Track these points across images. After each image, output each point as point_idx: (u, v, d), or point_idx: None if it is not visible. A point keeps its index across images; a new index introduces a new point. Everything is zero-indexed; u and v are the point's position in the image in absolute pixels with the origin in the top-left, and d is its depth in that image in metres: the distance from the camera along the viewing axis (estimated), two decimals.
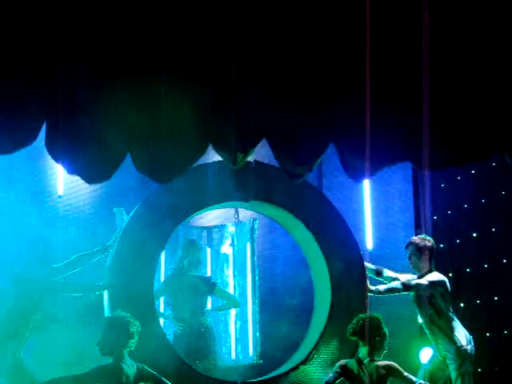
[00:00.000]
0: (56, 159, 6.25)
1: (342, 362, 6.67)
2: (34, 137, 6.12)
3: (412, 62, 6.38)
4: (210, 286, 7.92)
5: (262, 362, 8.29)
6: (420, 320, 7.51)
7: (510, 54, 6.49)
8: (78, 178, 7.65)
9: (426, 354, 7.86)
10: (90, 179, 6.44)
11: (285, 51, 6.37)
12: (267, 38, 6.36)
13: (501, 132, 6.65)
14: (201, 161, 6.80)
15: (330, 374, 6.62)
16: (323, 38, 6.39)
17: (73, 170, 6.34)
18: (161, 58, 6.23)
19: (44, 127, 6.10)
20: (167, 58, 6.24)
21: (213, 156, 6.97)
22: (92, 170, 6.32)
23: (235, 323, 8.54)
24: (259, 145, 6.48)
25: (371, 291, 7.45)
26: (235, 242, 8.64)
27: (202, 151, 6.45)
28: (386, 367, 6.59)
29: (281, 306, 8.76)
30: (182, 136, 6.31)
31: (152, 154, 6.33)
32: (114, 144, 6.26)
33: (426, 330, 7.47)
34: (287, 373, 7.32)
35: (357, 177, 6.81)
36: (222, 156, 6.52)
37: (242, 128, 6.35)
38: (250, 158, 7.33)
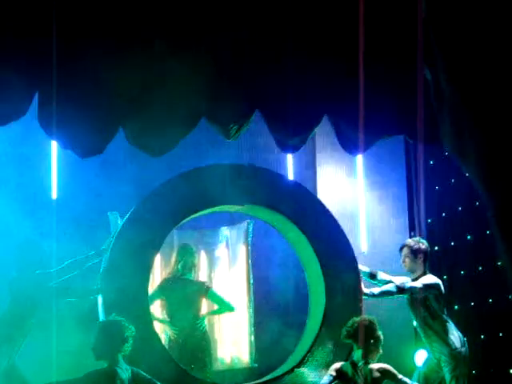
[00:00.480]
0: (49, 134, 6.25)
1: (337, 364, 6.68)
2: (25, 110, 6.11)
3: (406, 34, 6.33)
4: (204, 290, 7.92)
5: (256, 365, 8.29)
6: (414, 323, 7.52)
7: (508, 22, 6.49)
8: (73, 181, 7.69)
9: (420, 357, 7.86)
10: (83, 153, 6.45)
11: (277, 22, 6.35)
12: (260, 10, 6.35)
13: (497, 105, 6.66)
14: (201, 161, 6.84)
15: (325, 377, 6.62)
16: (316, 9, 6.39)
17: (66, 144, 6.36)
18: (153, 30, 6.22)
19: (36, 101, 6.09)
20: (159, 30, 6.23)
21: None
22: (85, 144, 6.34)
23: (230, 327, 8.54)
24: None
25: (365, 294, 7.47)
26: (230, 246, 8.65)
27: (195, 124, 6.46)
28: (380, 370, 6.59)
29: (276, 310, 8.76)
30: (174, 109, 6.32)
31: (144, 127, 6.35)
32: (107, 117, 6.28)
33: (420, 333, 7.48)
34: (282, 376, 7.33)
35: (352, 149, 6.82)
36: (215, 128, 6.52)
37: (234, 100, 6.35)
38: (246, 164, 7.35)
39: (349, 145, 6.79)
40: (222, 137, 6.53)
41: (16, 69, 6.03)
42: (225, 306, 8.07)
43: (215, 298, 8.03)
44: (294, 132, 6.61)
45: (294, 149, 6.91)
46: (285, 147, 6.81)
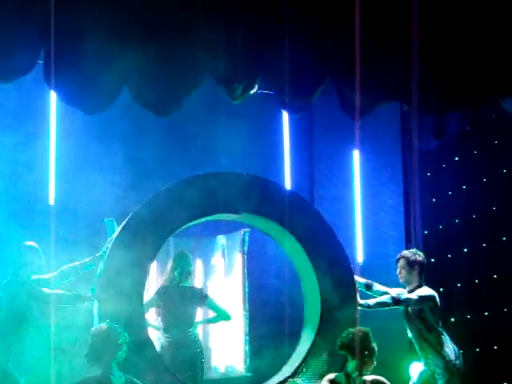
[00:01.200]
0: (56, 90, 6.31)
1: (331, 375, 6.66)
2: (31, 65, 6.19)
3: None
4: (201, 298, 7.91)
5: (251, 374, 8.28)
6: (409, 334, 7.51)
7: None
8: (69, 186, 7.72)
9: (415, 369, 7.85)
10: (87, 110, 6.53)
11: None
12: None
13: (494, 76, 6.72)
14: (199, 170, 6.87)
15: None
16: None
17: (71, 100, 6.43)
18: None
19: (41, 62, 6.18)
20: None
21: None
22: (90, 100, 6.42)
23: (224, 335, 8.53)
24: None
25: (361, 305, 7.45)
26: (226, 254, 8.65)
27: (199, 82, 6.51)
28: (374, 381, 6.58)
29: (271, 319, 8.76)
30: (178, 66, 6.38)
31: (148, 85, 6.40)
32: (112, 75, 6.34)
33: (415, 345, 7.46)
34: None
35: (353, 112, 6.89)
36: (221, 88, 6.58)
37: (237, 60, 6.41)
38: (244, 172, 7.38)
39: (350, 107, 6.85)
40: (228, 97, 6.58)
41: (21, 27, 6.12)
42: (222, 315, 8.05)
43: (213, 306, 8.01)
44: (297, 92, 6.68)
45: (298, 110, 6.95)
46: (290, 110, 6.86)
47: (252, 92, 6.80)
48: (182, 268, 7.87)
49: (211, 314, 8.11)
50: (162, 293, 7.84)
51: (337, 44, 6.72)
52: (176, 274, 7.85)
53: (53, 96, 8.19)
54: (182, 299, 7.77)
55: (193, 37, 6.35)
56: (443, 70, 6.88)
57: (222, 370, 8.53)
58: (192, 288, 7.92)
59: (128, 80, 6.37)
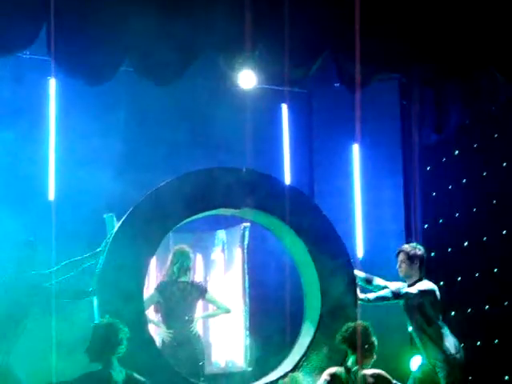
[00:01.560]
0: (58, 63, 6.38)
1: (331, 369, 6.67)
2: (33, 39, 6.26)
3: None
4: (201, 292, 7.91)
5: (251, 369, 8.29)
6: (410, 328, 7.51)
7: None
8: (69, 182, 7.72)
9: (415, 362, 7.86)
10: (91, 82, 6.62)
11: None
12: None
13: (490, 47, 6.77)
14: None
15: (319, 382, 6.62)
16: None
17: (74, 72, 6.52)
18: None
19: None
20: None
21: None
22: (93, 72, 6.51)
23: (225, 330, 8.53)
24: None
25: (361, 299, 7.46)
26: (226, 249, 8.64)
27: (199, 52, 6.57)
28: (374, 375, 6.58)
29: (271, 313, 8.76)
30: (178, 37, 6.44)
31: (149, 55, 6.50)
32: (114, 46, 6.43)
33: (415, 339, 7.47)
34: (276, 380, 7.31)
35: (351, 85, 6.91)
36: (220, 59, 6.65)
37: (237, 32, 6.46)
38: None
39: (348, 79, 6.89)
40: (226, 68, 6.65)
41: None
42: (222, 308, 8.07)
43: (212, 300, 8.03)
44: (296, 63, 6.73)
45: (298, 82, 6.99)
46: (290, 81, 6.92)
47: (251, 63, 6.88)
48: (181, 263, 7.87)
49: (211, 308, 8.12)
50: (161, 289, 7.84)
51: (336, 16, 6.78)
52: (175, 269, 7.86)
53: (52, 88, 8.21)
54: (181, 294, 7.78)
55: (194, 7, 6.45)
56: (442, 41, 6.94)
57: (222, 364, 8.54)
58: (191, 283, 7.92)
59: (129, 49, 6.49)
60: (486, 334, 9.08)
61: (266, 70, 7.26)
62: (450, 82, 7.41)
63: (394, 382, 6.65)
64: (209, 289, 8.13)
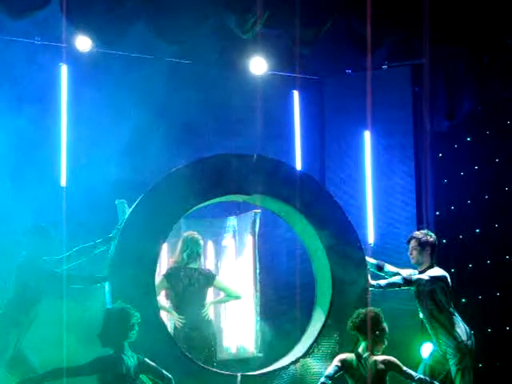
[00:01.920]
0: (72, 23, 6.51)
1: (342, 355, 6.67)
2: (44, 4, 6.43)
3: None
4: (209, 279, 7.92)
5: (262, 355, 8.30)
6: (421, 315, 7.51)
7: None
8: (81, 168, 7.75)
9: (426, 349, 7.86)
10: (104, 41, 6.76)
11: None
12: None
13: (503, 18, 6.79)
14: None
15: (330, 368, 6.62)
16: None
17: (88, 33, 6.78)
18: None
19: None
20: None
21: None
22: (107, 32, 6.67)
23: (236, 316, 8.55)
24: None
25: (372, 286, 7.46)
26: (237, 236, 8.65)
27: (210, 12, 6.65)
28: (385, 362, 6.59)
29: (282, 299, 8.78)
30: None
31: (163, 16, 6.60)
32: (127, 8, 6.51)
33: (426, 325, 7.46)
34: (287, 366, 7.33)
35: (363, 46, 6.96)
36: (232, 21, 6.73)
37: None
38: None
39: (360, 41, 6.91)
40: (237, 31, 6.75)
41: None
42: (231, 294, 8.08)
43: (221, 286, 8.04)
44: (307, 24, 6.78)
45: (309, 45, 7.01)
46: (301, 43, 6.95)
47: (261, 26, 7.00)
48: (191, 249, 7.88)
49: (222, 295, 8.14)
50: (170, 275, 7.86)
51: None
52: (185, 255, 7.87)
53: (64, 74, 8.22)
54: (187, 281, 7.79)
55: None
56: (454, 5, 7.01)
57: (233, 350, 8.55)
58: (199, 269, 7.93)
59: (143, 12, 6.64)
60: (497, 321, 9.08)
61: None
62: (460, 60, 7.41)
63: (405, 368, 6.65)
64: (218, 276, 8.14)
